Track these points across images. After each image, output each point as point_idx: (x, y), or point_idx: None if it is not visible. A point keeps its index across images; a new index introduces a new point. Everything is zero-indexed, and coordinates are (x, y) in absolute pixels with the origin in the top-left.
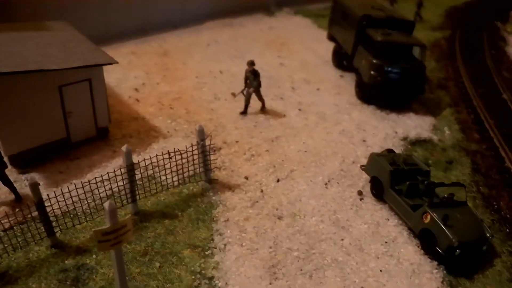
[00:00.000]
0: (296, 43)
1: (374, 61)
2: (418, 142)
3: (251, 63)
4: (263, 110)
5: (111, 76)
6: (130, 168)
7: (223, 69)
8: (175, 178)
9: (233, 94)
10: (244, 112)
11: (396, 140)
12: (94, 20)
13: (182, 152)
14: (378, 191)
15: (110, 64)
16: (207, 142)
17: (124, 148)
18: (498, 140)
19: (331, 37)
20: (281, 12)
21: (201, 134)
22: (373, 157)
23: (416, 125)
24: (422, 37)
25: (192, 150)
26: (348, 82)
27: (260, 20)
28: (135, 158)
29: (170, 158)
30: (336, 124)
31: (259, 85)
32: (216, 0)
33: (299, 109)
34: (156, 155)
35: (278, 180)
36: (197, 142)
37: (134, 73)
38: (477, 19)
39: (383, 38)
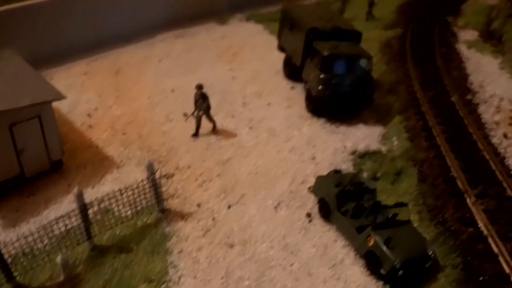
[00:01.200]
0: (248, 52)
1: (322, 75)
2: (367, 155)
3: (200, 87)
4: (214, 131)
5: (63, 101)
6: (83, 209)
7: (175, 86)
8: (129, 212)
9: (185, 115)
10: (195, 134)
11: (345, 154)
12: (43, 38)
13: (133, 187)
14: (326, 212)
15: (59, 99)
16: (159, 173)
17: (75, 191)
18: (444, 147)
19: (281, 48)
20: (234, 19)
21: (151, 169)
22: (320, 180)
23: (365, 136)
24: (374, 37)
25: (143, 185)
26: (299, 93)
27: (212, 29)
28: (89, 192)
29: (122, 194)
30: (286, 140)
31: (209, 107)
32: (168, 10)
33: (250, 127)
34: (108, 195)
35: (229, 206)
36: (147, 177)
37: (86, 96)
38: (429, 14)
39: (330, 52)
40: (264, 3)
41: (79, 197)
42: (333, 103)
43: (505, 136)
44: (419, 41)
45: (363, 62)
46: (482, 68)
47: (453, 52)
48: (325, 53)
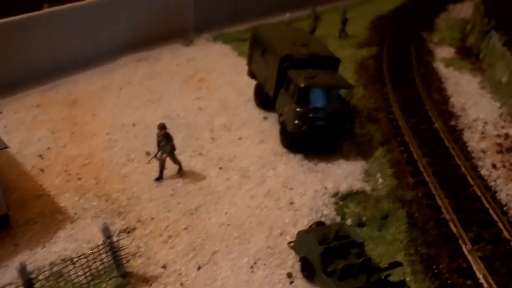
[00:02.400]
0: (215, 78)
1: (298, 109)
2: (350, 196)
3: (162, 127)
4: (180, 173)
5: (12, 140)
6: (28, 284)
7: (137, 119)
8: (83, 280)
9: (147, 154)
10: (159, 178)
11: (326, 197)
12: None
13: (87, 255)
14: (309, 272)
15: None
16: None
17: (17, 265)
18: (433, 184)
19: (251, 74)
20: (200, 39)
21: (106, 232)
22: (301, 236)
23: (346, 174)
24: (349, 57)
25: (99, 250)
26: (272, 124)
27: (177, 52)
28: (39, 253)
29: (74, 263)
30: (260, 183)
31: (173, 148)
32: (130, 31)
33: (220, 167)
34: (57, 262)
35: (199, 268)
36: (103, 241)
37: (38, 134)
38: (403, 30)
39: (307, 83)
40: (232, 22)
41: (22, 272)
42: (311, 138)
43: (494, 166)
44: (395, 60)
45: (343, 93)
46: (463, 89)
47: (432, 72)
48: (302, 84)
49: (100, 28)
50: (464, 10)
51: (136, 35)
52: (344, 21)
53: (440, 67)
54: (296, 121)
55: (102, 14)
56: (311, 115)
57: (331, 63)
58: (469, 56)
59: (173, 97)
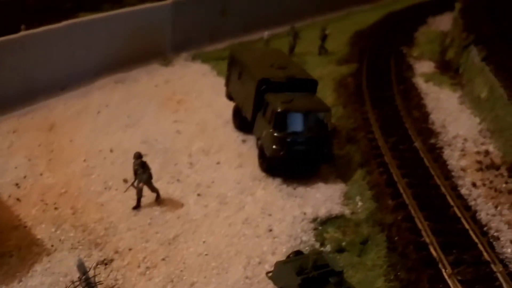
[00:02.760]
0: (194, 99)
1: (276, 133)
2: (329, 220)
3: (138, 156)
4: (158, 201)
5: None
6: None
7: (115, 145)
8: None
9: (125, 181)
10: (137, 206)
11: (305, 223)
12: None
13: None
14: None
15: None
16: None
17: None
18: (412, 206)
19: (229, 97)
20: (179, 59)
21: (82, 268)
22: (279, 266)
23: (326, 198)
24: (328, 74)
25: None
26: (251, 147)
27: (155, 72)
28: (15, 287)
29: None
30: (239, 210)
31: (150, 177)
32: (107, 52)
33: (198, 194)
34: None
35: None
36: (78, 277)
37: (15, 161)
38: (383, 45)
39: (284, 108)
40: (210, 40)
41: None
42: (289, 162)
43: (474, 185)
44: (375, 77)
45: (321, 116)
46: (442, 105)
47: (412, 88)
48: (279, 109)
49: (76, 50)
50: (444, 23)
51: (114, 56)
52: (324, 38)
53: (420, 82)
54: (274, 146)
55: (78, 36)
56: (289, 140)
57: (309, 85)
58: (448, 70)
59: (150, 121)
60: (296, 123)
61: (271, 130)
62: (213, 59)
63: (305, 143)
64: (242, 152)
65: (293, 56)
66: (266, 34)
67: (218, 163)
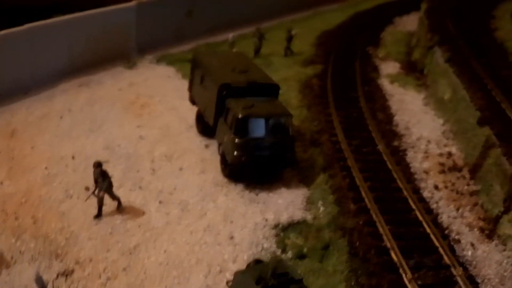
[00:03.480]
0: (158, 103)
1: (237, 139)
2: (291, 226)
3: (98, 165)
4: (120, 209)
5: None
6: None
7: (77, 151)
8: None
9: (87, 189)
10: (98, 215)
11: (267, 229)
12: None
13: None
14: None
15: None
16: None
17: None
18: (374, 211)
19: (192, 101)
20: (143, 61)
21: (40, 283)
22: (238, 276)
23: (288, 203)
24: (294, 76)
25: None
26: (214, 153)
27: (120, 75)
28: None
29: None
30: (200, 217)
31: (110, 185)
32: (71, 55)
33: (160, 201)
34: None
35: None
36: None
37: None
38: (349, 45)
39: (245, 114)
40: (176, 42)
41: None
42: (251, 168)
43: (436, 187)
44: (340, 79)
45: (282, 121)
46: (407, 106)
47: (377, 90)
48: (240, 115)
49: (40, 53)
50: (410, 23)
51: (78, 59)
52: (289, 39)
53: (385, 83)
54: (235, 152)
55: (41, 39)
56: (250, 146)
57: (271, 90)
58: (414, 71)
59: (114, 126)
60: (257, 129)
61: (232, 136)
62: (178, 61)
63: (266, 148)
64: (205, 157)
65: (259, 57)
66: (231, 36)
67: (180, 169)
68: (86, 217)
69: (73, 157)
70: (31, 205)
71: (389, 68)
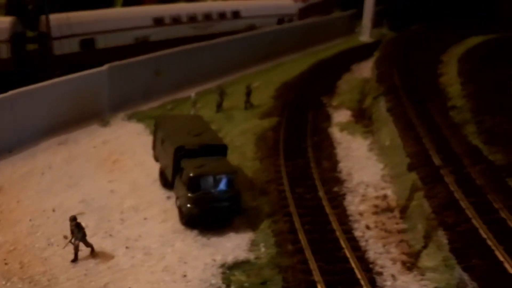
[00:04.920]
0: (128, 159)
1: (190, 194)
2: (236, 265)
3: (73, 219)
4: (93, 254)
5: None
6: None
7: (57, 205)
8: None
9: (65, 237)
10: (75, 259)
11: (215, 268)
12: None
13: None
14: None
15: None
16: None
17: None
18: (307, 251)
19: (156, 158)
20: (116, 119)
21: None
22: None
23: (235, 246)
24: (251, 129)
25: None
26: (174, 204)
27: (94, 133)
28: None
29: None
30: (160, 259)
31: (84, 235)
32: (51, 114)
33: (127, 247)
34: None
35: None
36: None
37: None
38: (305, 96)
39: (196, 173)
40: (145, 100)
41: None
42: (203, 218)
43: (367, 227)
44: (293, 130)
45: (229, 177)
46: (352, 153)
47: (326, 139)
48: (192, 174)
49: (21, 115)
50: (367, 70)
51: (56, 119)
52: (248, 94)
53: (335, 131)
54: (189, 205)
55: (24, 103)
56: (201, 199)
57: (220, 150)
58: (363, 118)
59: (89, 181)
60: (207, 185)
61: (186, 191)
62: (147, 118)
63: (216, 201)
64: (167, 208)
65: (221, 112)
66: (193, 95)
67: (145, 218)
68: (65, 262)
69: (53, 210)
70: (18, 252)
71: (341, 116)
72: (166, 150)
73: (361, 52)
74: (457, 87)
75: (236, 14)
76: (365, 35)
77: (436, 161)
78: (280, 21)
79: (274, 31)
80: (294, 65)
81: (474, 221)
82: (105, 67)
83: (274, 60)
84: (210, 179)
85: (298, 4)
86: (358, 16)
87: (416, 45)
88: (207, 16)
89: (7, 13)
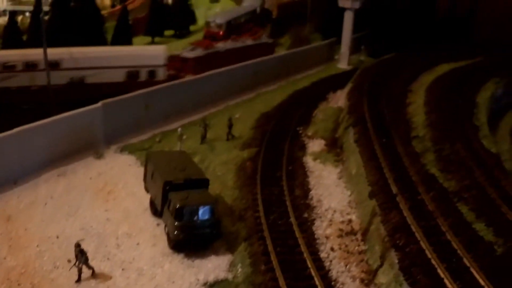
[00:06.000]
0: (121, 189)
1: (176, 223)
2: (216, 283)
3: (77, 245)
4: (94, 275)
5: None
6: None
7: (59, 232)
8: None
9: (69, 261)
10: (78, 280)
11: (199, 286)
12: None
13: None
14: None
15: None
16: None
17: None
18: (277, 270)
19: (146, 190)
20: (109, 152)
21: None
22: None
23: (215, 267)
24: (232, 159)
25: None
26: (163, 230)
27: (90, 165)
28: None
29: None
30: (151, 279)
31: (87, 259)
32: (51, 150)
33: (123, 269)
34: None
35: None
36: None
37: None
38: (283, 126)
39: (181, 204)
40: (136, 132)
41: None
42: (188, 243)
43: (332, 249)
44: (270, 160)
45: (210, 207)
46: (323, 181)
47: (300, 167)
48: (177, 205)
49: (26, 149)
50: (342, 99)
51: (56, 152)
52: (230, 126)
53: (308, 161)
54: (175, 232)
55: (27, 138)
56: (186, 227)
57: (202, 183)
58: (335, 147)
59: (87, 210)
60: (191, 214)
61: (173, 220)
62: (137, 150)
63: (199, 228)
64: (156, 234)
65: (205, 143)
66: (179, 129)
67: (138, 243)
68: (70, 282)
69: (57, 237)
70: (29, 274)
71: (315, 145)
72: (156, 183)
73: (338, 80)
74: (422, 117)
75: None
76: (343, 62)
77: (394, 189)
78: (142, 74)
79: (257, 63)
80: (274, 95)
81: (421, 243)
82: (99, 103)
83: (256, 90)
84: (194, 209)
85: (193, 52)
86: (338, 43)
87: (390, 73)
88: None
89: (3, 45)
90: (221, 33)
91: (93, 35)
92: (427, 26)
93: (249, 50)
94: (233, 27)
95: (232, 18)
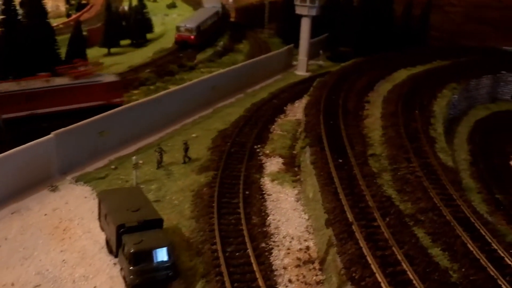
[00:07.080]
0: (77, 226)
1: (131, 267)
2: None
3: None
4: None
5: None
6: None
7: (14, 279)
8: None
9: None
10: None
11: None
12: None
13: None
14: None
15: None
16: None
17: None
18: None
19: (102, 228)
20: (64, 183)
21: None
22: None
23: None
24: (188, 186)
25: None
26: (120, 272)
27: (45, 199)
28: None
29: None
30: None
31: None
32: (2, 186)
33: None
34: None
35: None
36: None
37: None
38: (240, 145)
39: (135, 249)
40: (91, 160)
41: None
42: (145, 285)
43: (290, 281)
44: (227, 185)
45: (165, 250)
46: (280, 205)
47: (257, 192)
48: (132, 250)
49: None
50: (300, 110)
51: (8, 188)
52: (186, 149)
53: (266, 182)
54: (131, 277)
55: None
56: (141, 271)
57: (156, 223)
58: (293, 166)
59: (42, 252)
60: (146, 258)
61: (127, 264)
62: (93, 180)
63: (155, 271)
64: (113, 275)
65: (161, 168)
66: (134, 158)
67: (95, 287)
68: None
69: (12, 284)
70: None
71: (272, 165)
72: (109, 225)
73: (296, 90)
74: (379, 132)
75: None
76: (301, 69)
77: (350, 216)
78: None
79: (213, 77)
80: (232, 109)
81: (377, 275)
82: (51, 134)
83: (213, 105)
84: (149, 253)
85: None
86: (297, 47)
87: (347, 83)
88: None
89: None
90: (192, 37)
91: (45, 52)
92: (385, 31)
93: (71, 93)
94: (202, 31)
95: (201, 21)
